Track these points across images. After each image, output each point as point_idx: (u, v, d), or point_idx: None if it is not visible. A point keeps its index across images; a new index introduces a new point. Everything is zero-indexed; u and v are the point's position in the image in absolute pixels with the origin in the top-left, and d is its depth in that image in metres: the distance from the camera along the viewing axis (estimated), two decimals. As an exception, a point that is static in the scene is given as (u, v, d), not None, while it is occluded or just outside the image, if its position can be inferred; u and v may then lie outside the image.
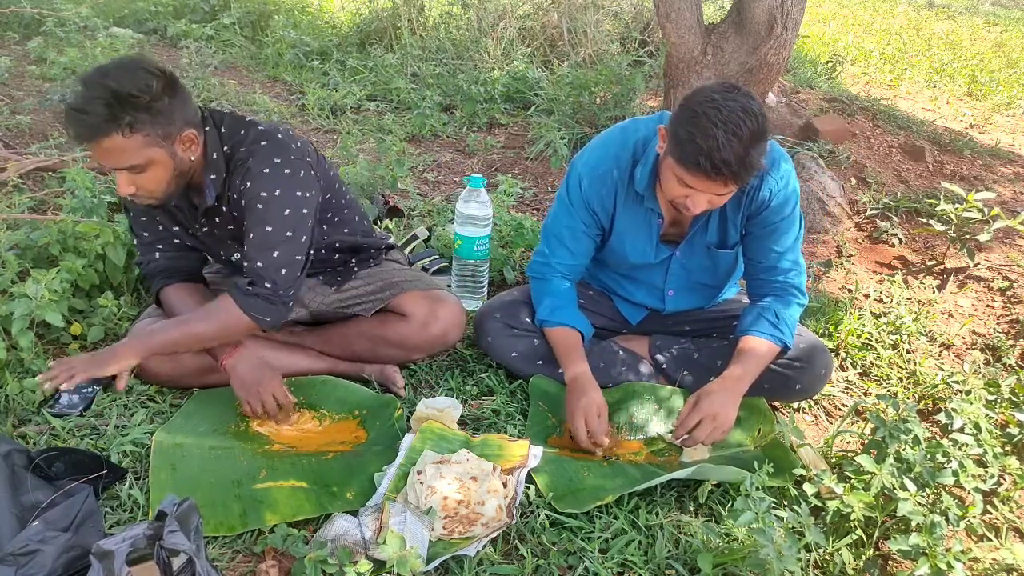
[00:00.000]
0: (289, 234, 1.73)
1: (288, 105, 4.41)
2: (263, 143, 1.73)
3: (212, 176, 1.74)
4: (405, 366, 2.07)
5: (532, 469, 1.71)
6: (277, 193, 1.70)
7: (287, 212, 1.72)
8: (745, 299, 2.18)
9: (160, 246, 1.88)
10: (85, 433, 1.72)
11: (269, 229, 1.71)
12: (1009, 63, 7.23)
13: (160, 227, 1.87)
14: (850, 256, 3.09)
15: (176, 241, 1.89)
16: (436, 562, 1.42)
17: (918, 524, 1.46)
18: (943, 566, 1.38)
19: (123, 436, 1.70)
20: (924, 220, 3.31)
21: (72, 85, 1.55)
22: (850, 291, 2.77)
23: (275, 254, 1.72)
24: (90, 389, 1.84)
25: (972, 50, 7.85)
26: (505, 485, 1.60)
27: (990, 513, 1.76)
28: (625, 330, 2.17)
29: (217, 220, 1.84)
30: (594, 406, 1.78)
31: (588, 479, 1.71)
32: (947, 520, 1.53)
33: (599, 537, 1.56)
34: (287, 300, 1.77)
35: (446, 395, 2.01)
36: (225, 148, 1.74)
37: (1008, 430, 1.92)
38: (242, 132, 1.75)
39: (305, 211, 1.75)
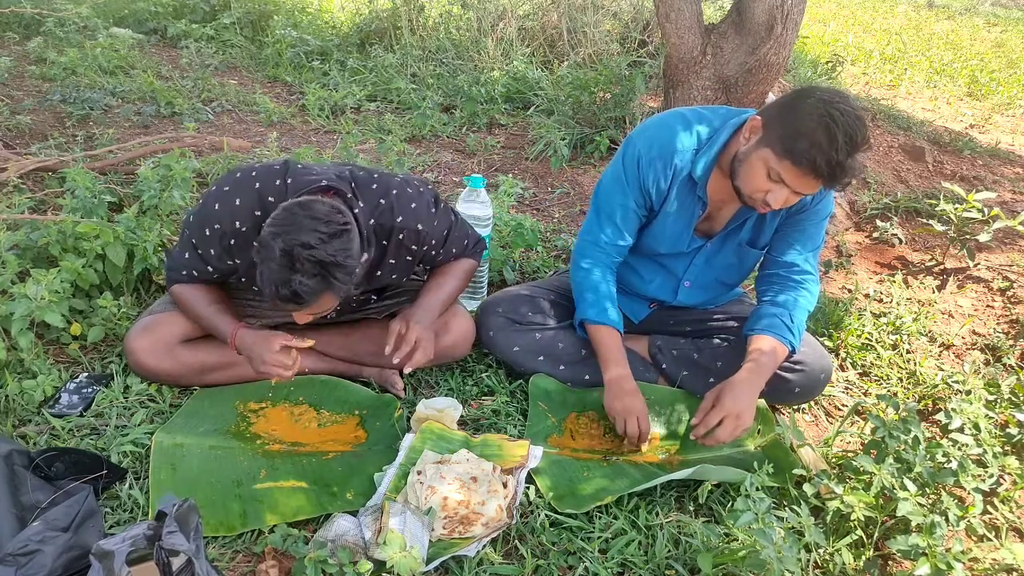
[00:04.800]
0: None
1: (288, 105, 4.41)
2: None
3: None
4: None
5: (532, 469, 1.71)
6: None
7: None
8: (746, 301, 2.18)
9: (196, 277, 1.81)
10: (85, 433, 1.72)
11: None
12: (1009, 63, 7.23)
13: (213, 273, 1.80)
14: (850, 256, 3.09)
15: (211, 280, 1.84)
16: (436, 562, 1.42)
17: (918, 524, 1.46)
18: (943, 566, 1.38)
19: (123, 436, 1.71)
20: (924, 220, 3.31)
21: (266, 254, 1.46)
22: (850, 291, 2.77)
23: None
24: (90, 389, 1.85)
25: (972, 50, 7.85)
26: (505, 485, 1.60)
27: (990, 513, 1.76)
28: (626, 328, 2.17)
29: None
30: (636, 412, 1.80)
31: (588, 479, 1.71)
32: (947, 520, 1.53)
33: (599, 537, 1.56)
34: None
35: (446, 395, 2.01)
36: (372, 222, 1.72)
37: (1008, 430, 1.92)
38: (382, 201, 1.75)
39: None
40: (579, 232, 2.05)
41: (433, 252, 1.89)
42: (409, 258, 1.85)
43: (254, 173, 1.71)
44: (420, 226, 1.79)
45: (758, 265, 2.01)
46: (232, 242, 1.70)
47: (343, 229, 1.48)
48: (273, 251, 1.44)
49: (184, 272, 1.81)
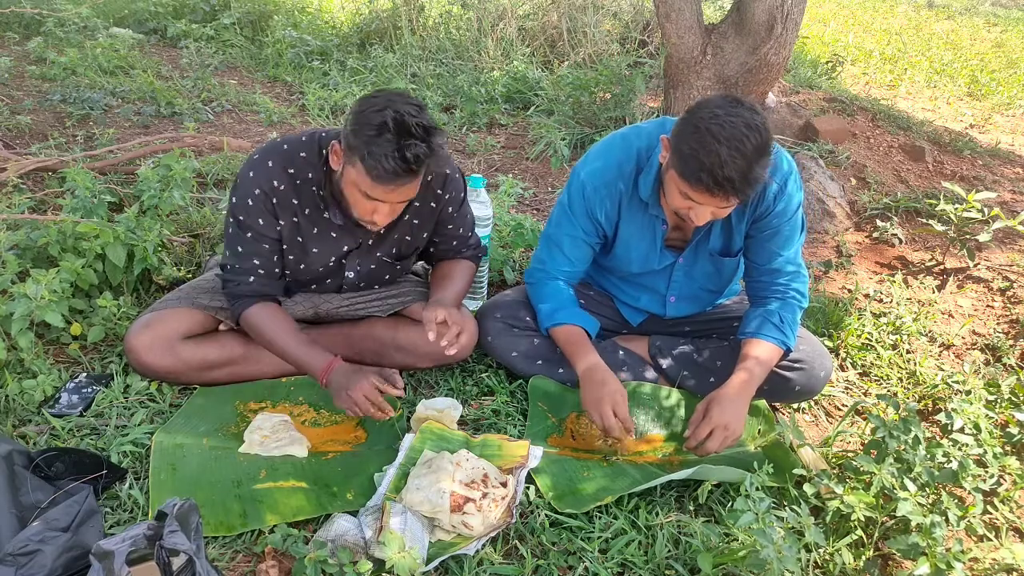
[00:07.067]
0: None
1: (288, 105, 4.41)
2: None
3: None
4: (405, 367, 2.07)
5: (532, 469, 1.71)
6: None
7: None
8: (745, 299, 2.18)
9: (261, 271, 1.82)
10: (85, 433, 1.72)
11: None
12: (1009, 63, 7.22)
13: (272, 253, 1.82)
14: (850, 256, 3.09)
15: (276, 270, 1.85)
16: (436, 562, 1.42)
17: (918, 524, 1.46)
18: (943, 566, 1.38)
19: (123, 436, 1.71)
20: (924, 220, 3.31)
21: (374, 132, 1.54)
22: (850, 291, 2.77)
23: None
24: (90, 389, 1.85)
25: (972, 50, 7.85)
26: (505, 485, 1.60)
27: (990, 513, 1.76)
28: (625, 330, 2.17)
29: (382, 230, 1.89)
30: (616, 394, 1.75)
31: (588, 479, 1.71)
32: (947, 520, 1.53)
33: (599, 537, 1.56)
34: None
35: (446, 395, 2.01)
36: None
37: (1008, 430, 1.92)
38: None
39: None
40: (531, 260, 2.08)
41: (447, 215, 1.93)
42: (433, 204, 1.88)
43: (278, 139, 1.79)
44: (447, 170, 1.86)
45: (744, 269, 2.00)
46: (274, 201, 1.77)
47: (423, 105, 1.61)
48: (386, 124, 1.52)
49: (247, 265, 1.79)
